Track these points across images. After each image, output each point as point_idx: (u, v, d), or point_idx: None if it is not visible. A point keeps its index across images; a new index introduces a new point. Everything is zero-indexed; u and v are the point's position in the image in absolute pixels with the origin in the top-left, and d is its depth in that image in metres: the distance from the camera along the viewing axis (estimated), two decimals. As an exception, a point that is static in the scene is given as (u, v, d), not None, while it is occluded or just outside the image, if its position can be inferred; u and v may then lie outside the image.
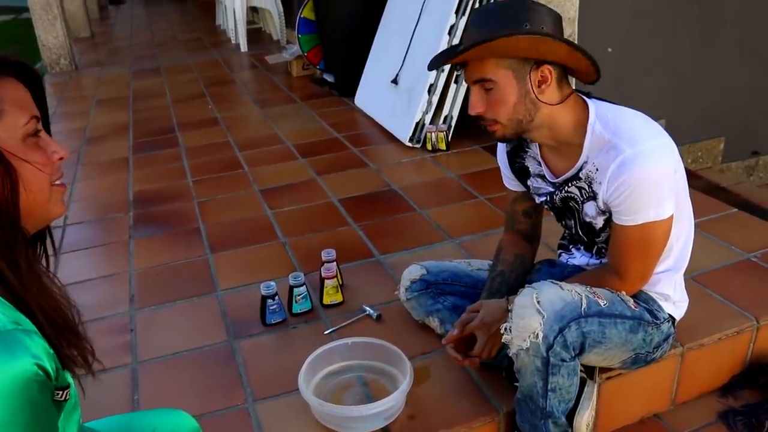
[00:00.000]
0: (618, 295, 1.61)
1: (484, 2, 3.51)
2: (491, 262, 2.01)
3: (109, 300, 2.37)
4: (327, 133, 4.07)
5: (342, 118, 4.34)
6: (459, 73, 3.56)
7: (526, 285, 1.55)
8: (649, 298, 1.69)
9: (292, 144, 3.89)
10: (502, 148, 1.81)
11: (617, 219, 1.54)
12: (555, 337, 1.46)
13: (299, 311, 2.16)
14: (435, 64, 1.58)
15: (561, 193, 1.66)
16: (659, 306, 1.69)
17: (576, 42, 3.50)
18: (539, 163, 1.70)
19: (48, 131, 1.07)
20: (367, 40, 4.49)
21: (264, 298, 2.10)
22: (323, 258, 2.24)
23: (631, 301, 1.62)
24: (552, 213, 1.80)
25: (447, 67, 3.53)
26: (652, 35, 3.78)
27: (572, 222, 1.73)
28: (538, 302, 1.48)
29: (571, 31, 3.49)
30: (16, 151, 0.96)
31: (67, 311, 1.02)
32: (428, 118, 3.62)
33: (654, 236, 1.53)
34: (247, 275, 2.45)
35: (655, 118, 4.04)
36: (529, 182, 1.77)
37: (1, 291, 0.92)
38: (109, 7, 12.18)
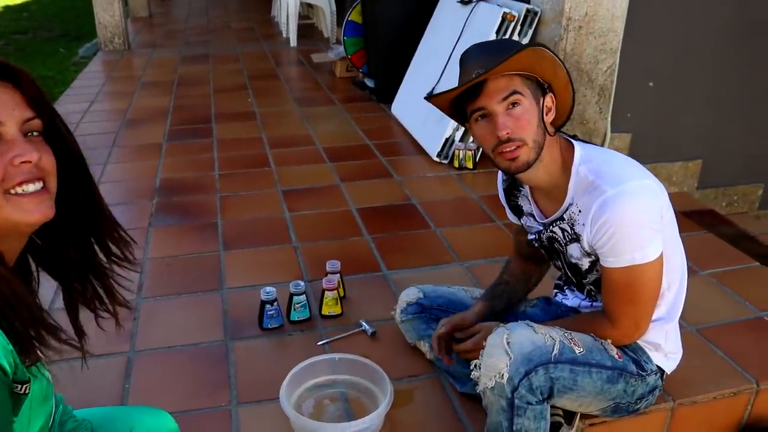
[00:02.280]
0: (600, 344, 1.59)
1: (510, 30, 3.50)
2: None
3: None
4: (359, 139, 4.09)
5: (376, 125, 4.37)
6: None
7: (501, 325, 1.55)
8: (638, 348, 1.66)
9: (323, 146, 3.93)
10: (500, 184, 1.81)
11: (603, 261, 1.53)
12: (520, 380, 1.46)
13: (297, 319, 2.19)
14: (473, 80, 1.45)
15: (547, 232, 1.66)
16: (648, 357, 1.67)
17: (616, 74, 3.47)
18: (530, 201, 1.71)
19: (55, 131, 1.06)
20: (410, 50, 4.50)
21: (263, 303, 2.13)
22: (327, 269, 2.27)
23: (615, 350, 1.60)
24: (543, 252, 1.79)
25: (482, 87, 3.53)
26: (697, 72, 3.70)
27: (560, 263, 1.72)
28: (508, 343, 1.48)
29: (612, 61, 3.44)
30: None
31: (33, 309, 1.02)
32: (458, 135, 3.62)
33: (642, 280, 1.50)
34: (254, 276, 2.48)
35: (692, 158, 3.95)
36: (522, 220, 1.78)
37: None
38: (171, -12, 12.39)
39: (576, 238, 1.57)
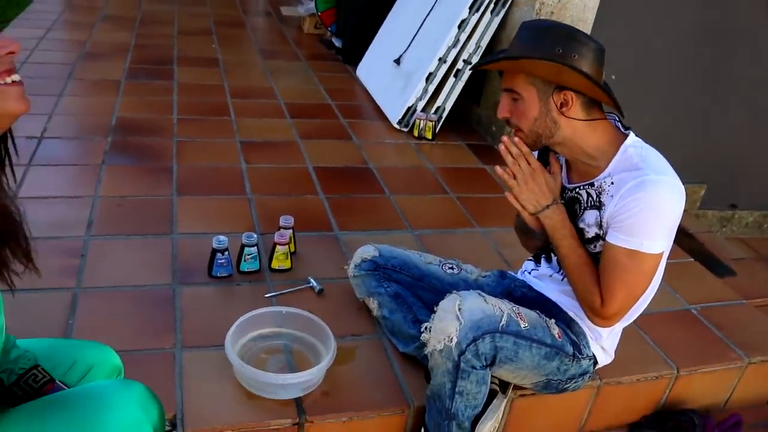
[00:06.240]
0: (544, 322, 1.67)
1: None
2: (442, 259, 2.07)
3: (68, 221, 2.40)
4: (321, 98, 4.08)
5: (339, 86, 4.35)
6: (460, 68, 3.57)
7: (454, 291, 1.61)
8: (581, 333, 1.75)
9: (284, 101, 3.90)
10: None
11: (612, 236, 1.56)
12: (468, 345, 1.53)
13: (246, 270, 2.20)
14: (475, 66, 1.70)
15: (571, 193, 1.70)
16: (587, 342, 1.76)
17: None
18: (561, 166, 1.74)
19: None
20: (382, 14, 4.48)
21: (214, 251, 2.14)
22: (281, 223, 2.29)
23: (557, 330, 1.68)
24: None
25: (449, 59, 3.56)
26: (657, 72, 3.81)
27: None
28: (459, 309, 1.55)
29: (577, 49, 3.51)
30: None
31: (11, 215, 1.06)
32: (421, 105, 3.65)
33: (639, 268, 1.55)
34: (206, 224, 2.48)
35: (641, 152, 4.05)
36: None
37: None
38: None
39: (597, 206, 1.62)
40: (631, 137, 1.61)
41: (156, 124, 3.34)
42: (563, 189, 1.73)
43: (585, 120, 1.58)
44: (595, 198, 1.63)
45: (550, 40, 1.51)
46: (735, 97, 4.02)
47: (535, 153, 1.80)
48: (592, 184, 1.64)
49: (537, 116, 1.58)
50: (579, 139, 1.60)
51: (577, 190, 1.68)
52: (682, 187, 1.55)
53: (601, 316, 1.63)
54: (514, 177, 1.66)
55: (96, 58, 4.25)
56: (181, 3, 6.13)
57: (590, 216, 1.65)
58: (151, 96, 3.72)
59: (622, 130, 1.64)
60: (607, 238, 1.59)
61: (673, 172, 1.57)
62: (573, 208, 1.71)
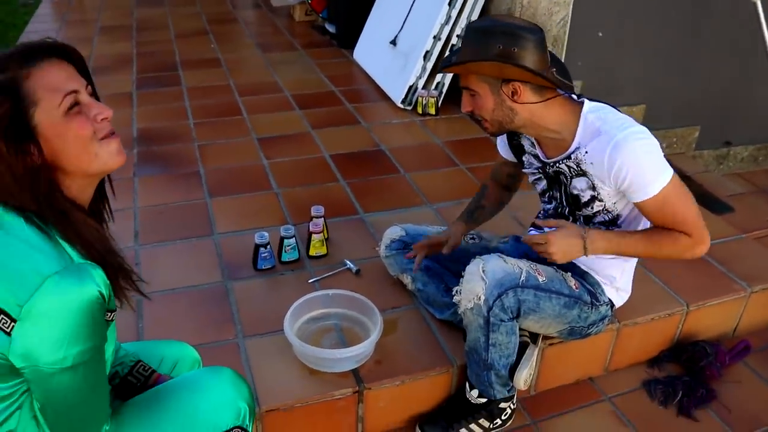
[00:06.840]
0: (561, 275, 1.88)
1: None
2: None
3: (116, 234, 2.52)
4: (324, 86, 4.25)
5: (339, 71, 4.52)
6: (454, 44, 3.74)
7: (477, 256, 1.82)
8: (595, 282, 1.96)
9: (291, 93, 4.08)
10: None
11: (638, 198, 1.72)
12: (494, 301, 1.74)
13: (287, 260, 2.41)
14: (437, 70, 1.86)
15: (554, 167, 1.87)
16: (602, 290, 1.97)
17: (568, 25, 3.69)
18: (533, 144, 1.92)
19: (95, 94, 1.24)
20: (371, -4, 4.63)
21: (257, 246, 2.35)
22: (312, 213, 2.48)
23: (573, 282, 1.89)
24: (540, 184, 1.98)
25: (443, 37, 3.73)
26: (642, 23, 3.96)
27: (559, 193, 1.92)
28: (483, 271, 1.76)
29: (565, 13, 3.67)
30: (57, 128, 1.14)
31: (116, 254, 1.26)
32: (421, 82, 3.82)
33: (675, 194, 1.70)
34: (242, 222, 2.68)
35: (636, 103, 4.22)
36: (524, 158, 2.00)
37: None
38: None
39: (582, 173, 1.79)
40: (587, 104, 1.77)
41: (175, 131, 3.53)
42: (545, 164, 1.89)
43: (538, 102, 1.74)
44: (576, 168, 1.81)
45: (490, 39, 1.64)
46: (718, 37, 4.17)
47: (504, 136, 2.02)
48: (569, 157, 1.81)
49: (494, 107, 1.75)
50: (538, 119, 1.77)
51: (558, 164, 1.86)
52: (643, 127, 1.71)
53: (698, 244, 1.77)
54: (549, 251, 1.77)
55: (103, 72, 4.42)
56: (171, 4, 6.27)
57: (579, 182, 1.83)
58: (164, 103, 3.90)
59: (576, 99, 1.80)
60: (637, 202, 1.74)
61: (630, 119, 1.75)
62: (559, 179, 1.90)
